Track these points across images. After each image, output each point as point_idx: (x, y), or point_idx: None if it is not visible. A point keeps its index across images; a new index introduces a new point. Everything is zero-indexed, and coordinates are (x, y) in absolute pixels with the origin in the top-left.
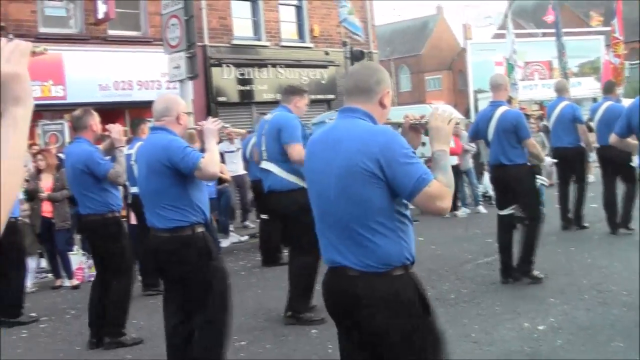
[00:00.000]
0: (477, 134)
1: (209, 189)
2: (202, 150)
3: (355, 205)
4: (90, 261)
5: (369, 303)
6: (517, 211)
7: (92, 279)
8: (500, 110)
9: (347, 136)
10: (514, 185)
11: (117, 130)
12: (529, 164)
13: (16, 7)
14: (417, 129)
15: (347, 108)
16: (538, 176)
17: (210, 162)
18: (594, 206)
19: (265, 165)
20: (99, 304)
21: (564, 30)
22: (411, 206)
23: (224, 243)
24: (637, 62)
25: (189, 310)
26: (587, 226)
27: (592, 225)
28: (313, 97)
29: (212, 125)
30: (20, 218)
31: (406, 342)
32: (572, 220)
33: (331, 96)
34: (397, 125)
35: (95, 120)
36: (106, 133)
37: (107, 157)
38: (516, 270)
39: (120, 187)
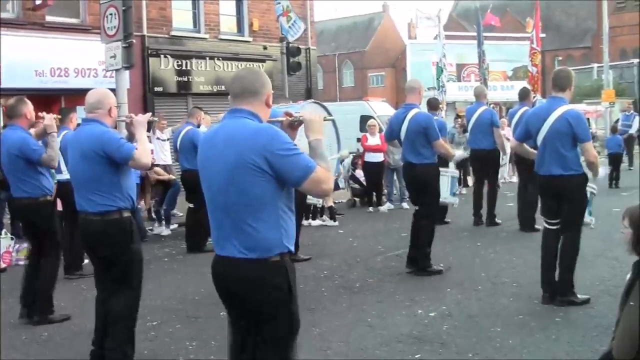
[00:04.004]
0: (392, 134)
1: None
2: (130, 140)
3: (242, 196)
4: (18, 245)
5: (247, 285)
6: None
7: (20, 262)
8: (412, 113)
9: (236, 134)
10: (423, 183)
11: (49, 117)
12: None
13: None
14: (293, 126)
15: (235, 109)
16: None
17: (143, 152)
18: (510, 205)
19: None
20: (32, 282)
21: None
22: (331, 202)
23: (165, 232)
24: (582, 67)
25: (111, 287)
26: (499, 223)
27: (503, 222)
28: None
29: (141, 117)
30: None
31: (277, 317)
32: (483, 217)
33: None
34: (277, 122)
35: (29, 108)
36: (39, 120)
37: (39, 143)
38: (414, 265)
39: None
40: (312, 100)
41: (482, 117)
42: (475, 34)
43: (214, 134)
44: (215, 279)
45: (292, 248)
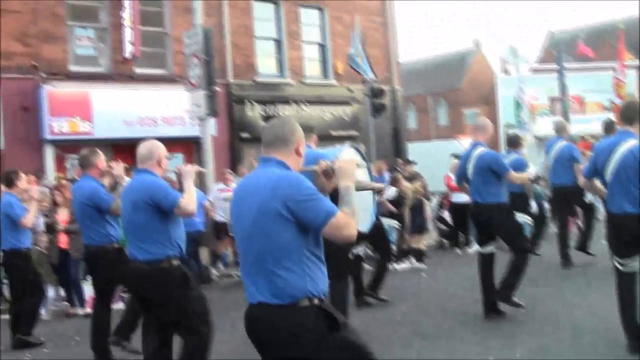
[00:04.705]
0: (460, 175)
1: (194, 222)
2: (180, 190)
3: (267, 244)
4: None
5: (279, 331)
6: (498, 248)
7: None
8: (478, 151)
9: (261, 184)
10: (490, 223)
11: (119, 167)
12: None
13: (48, 47)
14: (328, 174)
15: (264, 158)
16: (519, 214)
17: (188, 201)
18: (603, 242)
19: None
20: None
21: (598, 64)
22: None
23: None
24: None
25: (167, 336)
26: (593, 254)
27: (595, 262)
28: (335, 133)
29: (189, 168)
30: (39, 248)
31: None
32: (570, 257)
33: (354, 133)
34: (311, 171)
35: (100, 158)
36: (110, 170)
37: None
38: (497, 294)
39: None
40: (350, 143)
41: (562, 152)
42: (569, 65)
43: (244, 183)
44: (247, 327)
45: (320, 293)
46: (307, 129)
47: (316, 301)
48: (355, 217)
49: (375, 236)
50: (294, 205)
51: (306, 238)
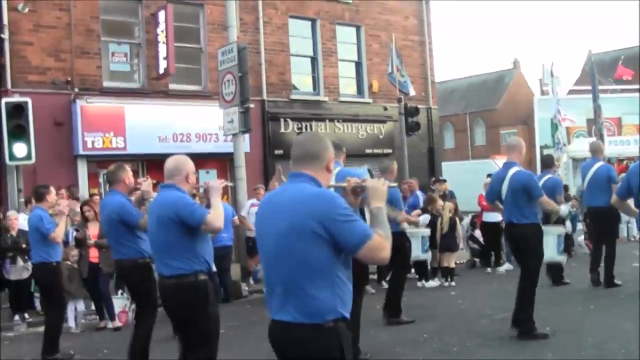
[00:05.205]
0: (492, 194)
1: (221, 237)
2: (208, 206)
3: (298, 261)
4: (134, 305)
5: (300, 350)
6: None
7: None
8: (512, 171)
9: (293, 199)
10: (524, 243)
11: (147, 183)
12: (540, 222)
13: (82, 62)
14: (356, 192)
15: (294, 173)
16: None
17: (215, 217)
18: (635, 265)
19: None
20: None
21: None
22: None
23: None
24: None
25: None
26: (619, 284)
27: (625, 284)
28: (370, 151)
29: (216, 183)
30: (69, 263)
31: None
32: (601, 278)
33: (389, 151)
34: (340, 188)
35: (127, 174)
36: (138, 185)
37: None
38: (517, 326)
39: None
40: (367, 167)
41: (598, 173)
42: (607, 87)
43: (271, 197)
44: (272, 343)
45: (347, 315)
46: (337, 146)
47: (341, 324)
48: (389, 239)
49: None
50: (329, 225)
51: (337, 257)
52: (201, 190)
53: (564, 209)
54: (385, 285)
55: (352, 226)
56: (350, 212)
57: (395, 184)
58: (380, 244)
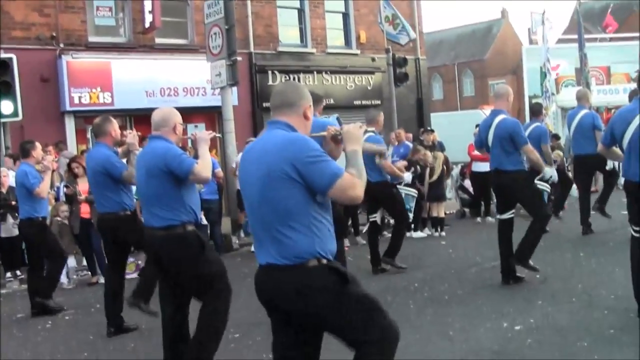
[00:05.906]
0: (481, 142)
1: (209, 188)
2: (196, 156)
3: (275, 206)
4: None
5: (286, 291)
6: (519, 215)
7: (128, 276)
8: (499, 119)
9: (268, 146)
10: (510, 191)
11: (132, 135)
12: (526, 169)
13: (67, 17)
14: (337, 139)
15: (271, 121)
16: (539, 182)
17: (203, 167)
18: (624, 213)
19: None
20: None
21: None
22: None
23: None
24: None
25: (182, 302)
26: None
27: (616, 231)
28: (358, 103)
29: (204, 134)
30: (59, 219)
31: (330, 316)
32: (591, 225)
33: (377, 102)
34: (320, 137)
35: (114, 126)
36: (124, 138)
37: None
38: (514, 256)
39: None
40: (337, 115)
41: (583, 121)
42: (596, 35)
43: (251, 147)
44: (256, 288)
45: (327, 254)
46: (316, 97)
47: (324, 261)
48: (362, 177)
49: (391, 203)
50: (301, 167)
51: (312, 199)
52: (189, 142)
53: (548, 171)
54: (362, 240)
55: (323, 167)
56: (320, 152)
57: (372, 129)
58: (351, 182)
